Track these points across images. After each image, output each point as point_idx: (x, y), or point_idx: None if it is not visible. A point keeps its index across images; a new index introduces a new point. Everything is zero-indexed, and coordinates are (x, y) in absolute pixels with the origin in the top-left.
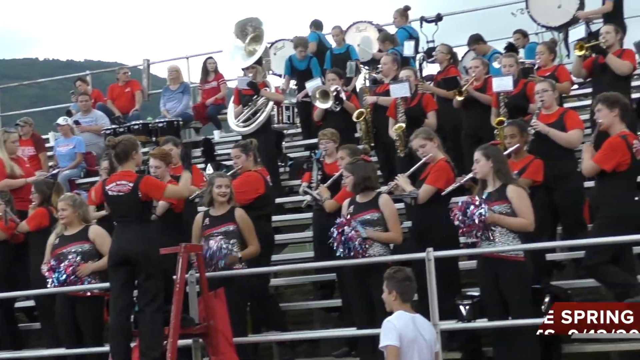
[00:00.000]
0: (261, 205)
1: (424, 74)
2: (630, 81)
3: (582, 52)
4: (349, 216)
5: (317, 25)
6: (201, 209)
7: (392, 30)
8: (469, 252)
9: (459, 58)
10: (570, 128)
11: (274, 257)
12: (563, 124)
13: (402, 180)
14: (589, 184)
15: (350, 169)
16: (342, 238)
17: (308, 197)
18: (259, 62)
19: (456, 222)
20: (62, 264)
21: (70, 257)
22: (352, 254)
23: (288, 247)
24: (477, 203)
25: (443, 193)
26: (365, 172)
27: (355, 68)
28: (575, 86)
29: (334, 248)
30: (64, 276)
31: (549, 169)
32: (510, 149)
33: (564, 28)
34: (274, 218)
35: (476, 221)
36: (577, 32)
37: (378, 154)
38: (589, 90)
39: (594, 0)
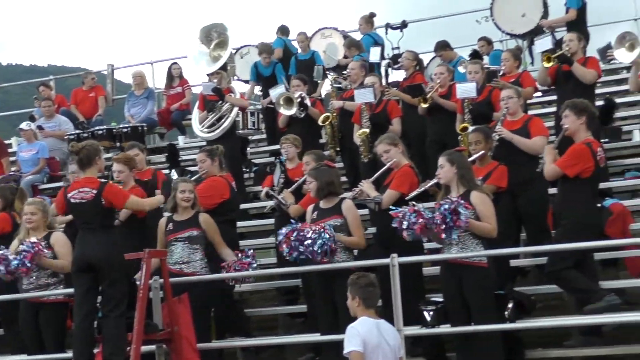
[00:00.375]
0: (226, 211)
1: (390, 80)
2: (594, 89)
3: (550, 64)
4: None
5: (283, 30)
6: (166, 214)
7: (357, 36)
8: (433, 258)
9: (425, 65)
10: (535, 135)
11: None
12: (527, 130)
13: (366, 186)
14: (553, 190)
15: (314, 175)
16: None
17: (271, 201)
18: (223, 67)
19: (437, 221)
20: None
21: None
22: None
23: None
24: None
25: (407, 198)
26: (328, 178)
27: (323, 73)
28: (539, 93)
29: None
30: (16, 261)
31: (513, 175)
32: (474, 155)
33: (528, 36)
34: (238, 224)
35: (462, 223)
36: (544, 43)
37: (343, 159)
38: (554, 97)
39: (558, 9)
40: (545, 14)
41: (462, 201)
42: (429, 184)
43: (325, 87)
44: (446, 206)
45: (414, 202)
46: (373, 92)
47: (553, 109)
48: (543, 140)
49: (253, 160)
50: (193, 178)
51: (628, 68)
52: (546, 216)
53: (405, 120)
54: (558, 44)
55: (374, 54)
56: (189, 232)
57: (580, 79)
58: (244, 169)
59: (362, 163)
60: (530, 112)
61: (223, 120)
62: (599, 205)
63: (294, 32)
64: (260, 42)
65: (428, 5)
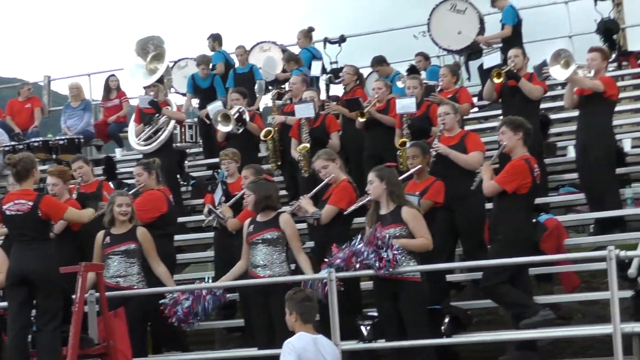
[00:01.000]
0: (164, 224)
1: (330, 94)
2: (539, 105)
3: (500, 80)
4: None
5: (215, 38)
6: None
7: (295, 50)
8: (371, 272)
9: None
10: (471, 150)
11: (176, 277)
12: (464, 146)
13: (304, 202)
14: (489, 205)
15: (252, 188)
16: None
17: (211, 217)
18: (160, 80)
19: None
20: None
21: None
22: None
23: (190, 267)
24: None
25: (345, 212)
26: (266, 191)
27: (265, 87)
28: (476, 109)
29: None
30: None
31: (450, 190)
32: (412, 170)
33: (464, 52)
34: (176, 237)
35: (396, 257)
36: (493, 58)
37: (284, 174)
38: (491, 112)
39: (494, 25)
40: (481, 30)
41: (383, 242)
42: (367, 199)
43: (264, 101)
44: (371, 256)
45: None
46: (313, 107)
47: (490, 124)
48: (479, 155)
49: (191, 174)
50: (131, 192)
51: (563, 84)
52: (482, 231)
53: (343, 135)
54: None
55: (315, 68)
56: (125, 246)
57: (527, 95)
58: (181, 182)
59: (303, 178)
60: (467, 128)
61: (160, 133)
62: (534, 220)
63: (232, 44)
64: (198, 54)
65: (366, 20)
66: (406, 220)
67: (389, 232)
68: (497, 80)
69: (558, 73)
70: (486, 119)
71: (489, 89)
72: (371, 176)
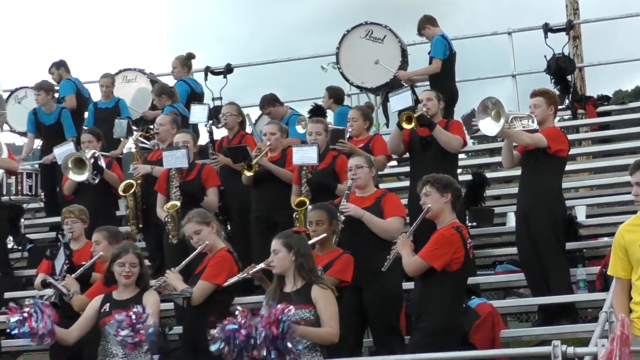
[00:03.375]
0: None
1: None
2: (457, 160)
3: (412, 125)
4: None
5: (60, 64)
6: None
7: (170, 81)
8: None
9: (253, 121)
10: (389, 214)
11: None
12: (380, 209)
13: (172, 277)
14: (408, 284)
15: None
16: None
17: (50, 291)
18: None
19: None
20: None
21: None
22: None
23: (22, 356)
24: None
25: (224, 285)
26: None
27: (127, 128)
28: (394, 162)
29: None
30: None
31: (360, 265)
32: (314, 239)
33: (382, 90)
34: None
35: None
36: (402, 99)
37: (147, 239)
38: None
39: (420, 58)
40: (403, 64)
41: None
42: (253, 270)
43: (127, 146)
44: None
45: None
46: (187, 155)
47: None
48: (399, 221)
49: (28, 235)
50: None
51: None
52: (398, 316)
53: (225, 191)
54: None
55: (198, 114)
56: None
57: (444, 147)
58: (14, 246)
59: (171, 245)
60: (383, 186)
61: None
62: (464, 305)
63: (91, 72)
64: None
65: (260, 46)
66: (315, 300)
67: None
68: (407, 126)
69: (488, 127)
70: (407, 175)
71: (394, 139)
72: (277, 244)
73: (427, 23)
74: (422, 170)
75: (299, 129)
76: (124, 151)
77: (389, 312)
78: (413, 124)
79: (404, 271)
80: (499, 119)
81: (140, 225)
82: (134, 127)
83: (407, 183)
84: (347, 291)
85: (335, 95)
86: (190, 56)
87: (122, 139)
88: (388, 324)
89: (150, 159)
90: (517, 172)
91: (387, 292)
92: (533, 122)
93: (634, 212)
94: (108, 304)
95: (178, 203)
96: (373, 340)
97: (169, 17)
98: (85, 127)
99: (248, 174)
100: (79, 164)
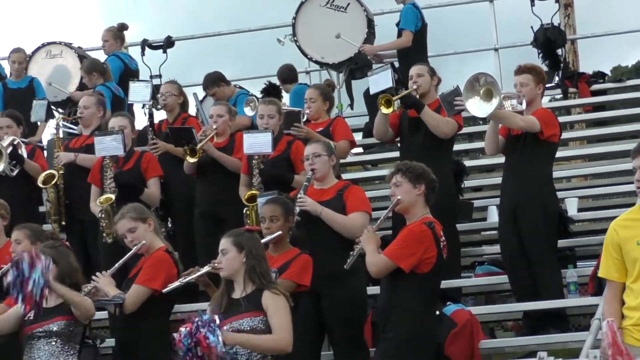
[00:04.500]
0: None
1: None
2: (452, 145)
3: (390, 110)
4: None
5: None
6: None
7: (101, 57)
8: None
9: (199, 99)
10: (352, 210)
11: None
12: (342, 203)
13: (103, 281)
14: (374, 289)
15: (53, 255)
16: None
17: None
18: None
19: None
20: None
21: None
22: None
23: None
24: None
25: (163, 291)
26: (73, 263)
27: (47, 110)
28: (359, 149)
29: None
30: None
31: (318, 267)
32: (268, 238)
33: (345, 66)
34: None
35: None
36: (381, 79)
37: (71, 238)
38: (383, 155)
39: (388, 32)
40: (370, 37)
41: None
42: (197, 274)
43: (49, 132)
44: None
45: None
46: (122, 141)
47: (380, 172)
48: (363, 217)
49: None
50: None
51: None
52: (362, 326)
53: (167, 182)
54: (400, 80)
55: (139, 92)
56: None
57: (432, 131)
58: None
59: (103, 245)
60: (346, 177)
61: None
62: (437, 312)
63: (5, 47)
64: None
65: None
66: (266, 307)
67: (242, 323)
68: (385, 111)
69: (476, 108)
70: (375, 164)
71: (380, 123)
72: (226, 244)
73: None
74: (411, 158)
75: (247, 111)
76: (49, 137)
77: (351, 320)
78: (392, 108)
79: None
80: (489, 98)
81: (63, 223)
82: (59, 110)
83: (375, 172)
84: (303, 296)
85: (283, 77)
86: (122, 27)
87: (39, 123)
88: (350, 334)
89: (73, 146)
90: (501, 159)
91: (349, 298)
92: (522, 102)
93: (633, 205)
94: (33, 310)
95: (113, 196)
96: (333, 353)
97: None
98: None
99: (191, 160)
100: None
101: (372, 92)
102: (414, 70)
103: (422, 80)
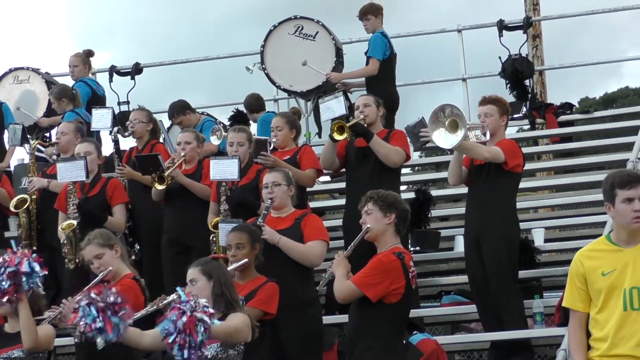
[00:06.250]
0: None
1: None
2: (399, 175)
3: (343, 136)
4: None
5: None
6: None
7: (68, 83)
8: None
9: (165, 127)
10: (310, 238)
11: None
12: (300, 232)
13: (69, 307)
14: (342, 317)
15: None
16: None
17: None
18: None
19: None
20: None
21: None
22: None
23: None
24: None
25: (133, 318)
26: (36, 289)
27: (22, 135)
28: (326, 177)
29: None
30: None
31: (282, 296)
32: (234, 265)
33: (313, 94)
34: None
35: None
36: (334, 105)
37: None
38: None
39: (356, 59)
40: (338, 65)
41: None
42: (164, 302)
43: (18, 157)
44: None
45: None
46: (85, 167)
47: (343, 200)
48: (321, 246)
49: None
50: None
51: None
52: (320, 356)
53: (134, 208)
54: (352, 108)
55: (100, 120)
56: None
57: (382, 160)
58: None
59: (68, 271)
60: (314, 205)
61: None
62: (404, 341)
63: None
64: None
65: (179, 43)
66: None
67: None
68: (338, 137)
69: (442, 139)
70: (342, 192)
71: (328, 152)
72: (194, 273)
73: (371, 12)
74: (360, 187)
75: (214, 140)
76: (16, 162)
77: (310, 351)
78: (345, 134)
79: (329, 302)
80: (454, 129)
81: (34, 247)
82: (28, 136)
83: (342, 201)
84: (268, 326)
85: (251, 106)
86: (89, 54)
87: (9, 148)
88: None
89: (50, 172)
90: (466, 189)
91: (307, 328)
92: (485, 133)
93: (599, 236)
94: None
95: (75, 222)
96: None
97: (72, 7)
98: None
99: (159, 187)
100: None
101: (323, 119)
102: (360, 101)
103: (368, 110)
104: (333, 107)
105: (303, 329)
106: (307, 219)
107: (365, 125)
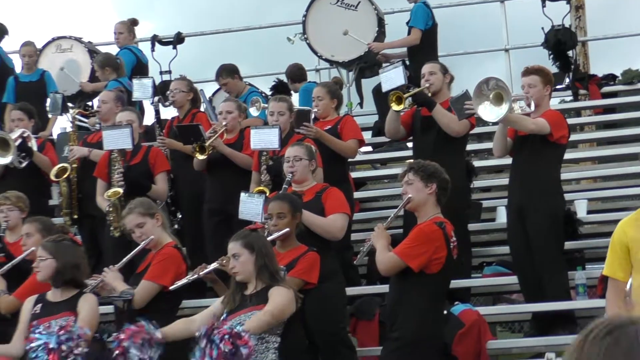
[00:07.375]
0: None
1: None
2: (464, 144)
3: (401, 107)
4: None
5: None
6: None
7: (113, 50)
8: None
9: (207, 97)
10: (331, 211)
11: None
12: (321, 205)
13: (111, 276)
14: (383, 287)
15: (52, 250)
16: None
17: None
18: None
19: None
20: None
21: None
22: None
23: None
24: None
25: (171, 288)
26: (74, 258)
27: (62, 104)
28: (368, 148)
29: None
30: None
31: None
32: (275, 235)
33: (354, 65)
34: None
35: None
36: (393, 76)
37: (82, 232)
38: (393, 154)
39: (399, 30)
40: (379, 35)
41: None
42: (205, 271)
43: (61, 125)
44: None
45: None
46: (131, 135)
47: (389, 170)
48: (342, 219)
49: None
50: None
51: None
52: (345, 327)
53: (176, 177)
54: (412, 78)
55: (141, 89)
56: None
57: (444, 129)
58: None
59: (111, 239)
60: (355, 175)
61: None
62: (445, 312)
63: (18, 40)
64: None
65: (219, 13)
66: (270, 295)
67: (247, 316)
68: (396, 108)
69: (487, 112)
70: (384, 163)
71: (392, 121)
72: (236, 247)
73: None
74: (423, 157)
75: (253, 111)
76: (59, 131)
77: (330, 325)
78: (403, 106)
79: (370, 273)
80: (499, 102)
81: (75, 216)
82: (69, 104)
83: (384, 172)
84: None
85: (292, 76)
86: (134, 22)
87: (50, 117)
88: (332, 334)
89: (90, 141)
90: (509, 160)
91: (325, 302)
92: (530, 104)
93: None
94: (40, 305)
95: (121, 190)
96: (320, 354)
97: None
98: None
99: (200, 157)
100: (3, 144)
101: (384, 89)
102: (426, 69)
103: (434, 79)
104: (393, 77)
105: (322, 303)
106: (328, 192)
107: (430, 93)
